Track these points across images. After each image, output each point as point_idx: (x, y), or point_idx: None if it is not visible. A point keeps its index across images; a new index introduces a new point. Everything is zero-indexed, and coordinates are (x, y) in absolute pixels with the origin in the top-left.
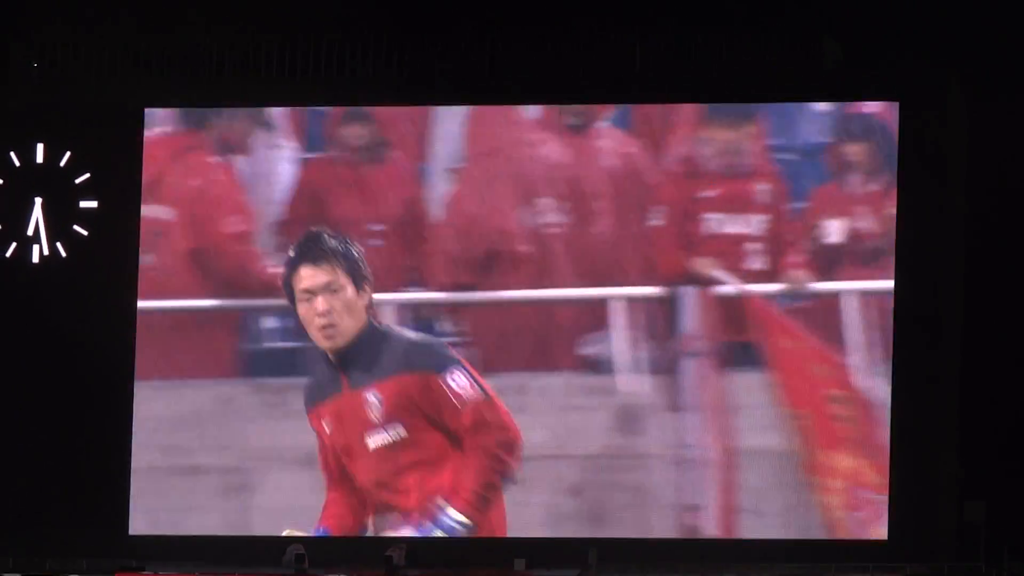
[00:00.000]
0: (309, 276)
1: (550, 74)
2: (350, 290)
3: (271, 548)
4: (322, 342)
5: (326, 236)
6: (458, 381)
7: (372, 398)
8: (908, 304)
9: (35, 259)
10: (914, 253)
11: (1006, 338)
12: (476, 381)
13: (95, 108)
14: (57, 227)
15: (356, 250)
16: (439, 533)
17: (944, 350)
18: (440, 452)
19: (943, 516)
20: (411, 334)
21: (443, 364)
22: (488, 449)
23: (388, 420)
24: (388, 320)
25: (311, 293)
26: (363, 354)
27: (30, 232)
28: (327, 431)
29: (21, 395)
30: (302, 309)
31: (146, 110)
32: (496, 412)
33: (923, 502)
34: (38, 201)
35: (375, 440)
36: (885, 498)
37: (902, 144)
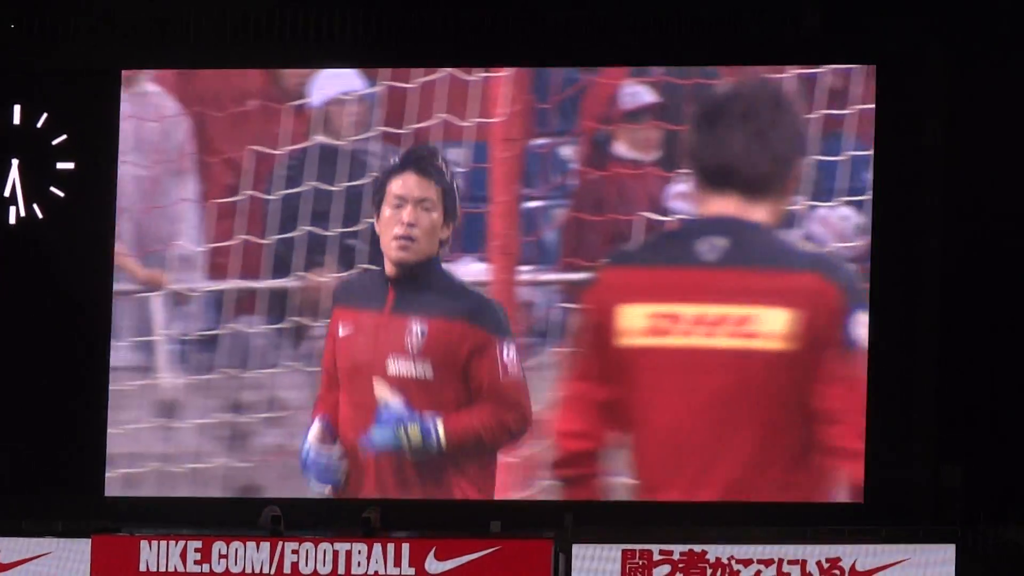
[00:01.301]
0: (412, 185)
1: (519, 36)
2: (438, 215)
3: (247, 510)
4: (392, 252)
5: (440, 155)
6: (510, 354)
7: (416, 328)
8: (885, 270)
9: (12, 221)
10: (891, 220)
11: (984, 302)
12: (520, 364)
13: (72, 70)
14: (34, 189)
15: (457, 184)
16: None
17: (922, 314)
18: (454, 406)
19: (920, 479)
20: (476, 289)
21: (502, 331)
22: (503, 423)
23: (422, 356)
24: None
25: (403, 200)
26: (419, 283)
27: (7, 194)
28: (343, 334)
29: None
30: (387, 213)
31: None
32: (526, 399)
33: (900, 465)
34: (15, 163)
35: (399, 368)
36: (861, 461)
37: (879, 109)
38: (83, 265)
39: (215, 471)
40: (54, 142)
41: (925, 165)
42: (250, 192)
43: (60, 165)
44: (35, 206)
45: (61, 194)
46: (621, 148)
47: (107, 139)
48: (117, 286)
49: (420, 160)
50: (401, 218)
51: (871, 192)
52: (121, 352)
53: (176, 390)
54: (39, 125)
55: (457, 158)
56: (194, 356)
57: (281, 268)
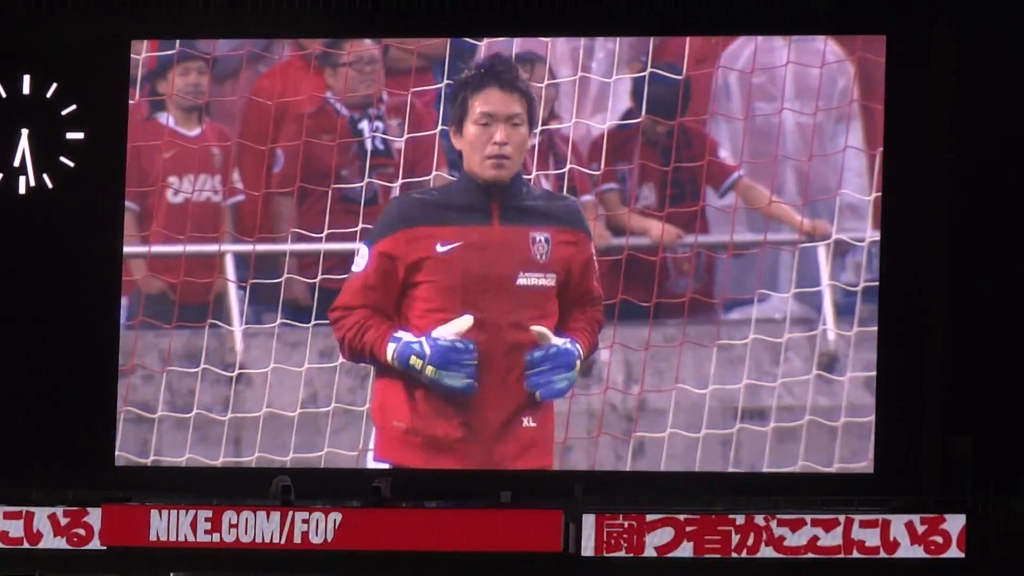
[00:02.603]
0: (497, 101)
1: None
2: (526, 129)
3: (258, 479)
4: (487, 171)
5: (519, 66)
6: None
7: (541, 238)
8: (894, 241)
9: (21, 190)
10: (900, 189)
11: (992, 274)
12: None
13: (82, 40)
14: (43, 158)
15: (535, 92)
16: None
17: (930, 287)
18: (575, 311)
19: (929, 450)
20: (554, 193)
21: (589, 231)
22: (600, 323)
23: (549, 264)
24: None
25: (492, 118)
26: (516, 194)
27: (16, 164)
28: (444, 250)
29: (6, 325)
30: (472, 130)
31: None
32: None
33: (909, 436)
34: (24, 132)
35: (528, 279)
36: (871, 431)
37: (888, 78)
38: (94, 235)
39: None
40: (64, 112)
41: (933, 141)
42: None
43: (70, 135)
44: (45, 176)
45: (71, 164)
46: None
47: (117, 109)
48: (776, 236)
49: (499, 74)
50: (493, 136)
51: (880, 171)
52: (787, 303)
53: (835, 342)
54: (48, 95)
55: None
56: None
57: None
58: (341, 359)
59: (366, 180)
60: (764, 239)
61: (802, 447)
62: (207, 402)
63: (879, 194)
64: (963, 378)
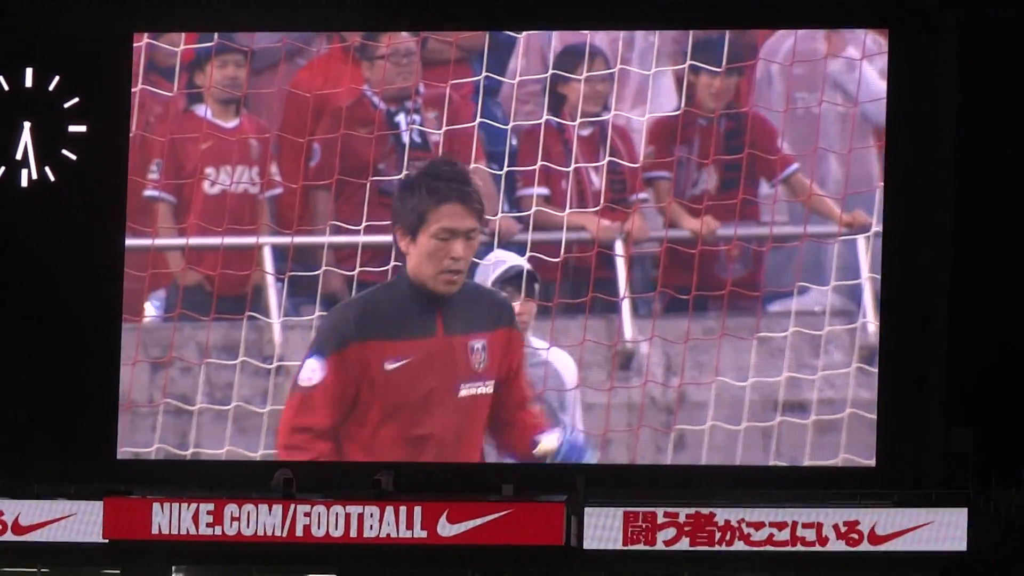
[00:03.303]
0: (456, 216)
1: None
2: (477, 241)
3: (259, 473)
4: (440, 285)
5: (473, 177)
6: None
7: (477, 346)
8: (896, 233)
9: (24, 183)
10: (903, 181)
11: (994, 268)
12: None
13: (84, 33)
14: (46, 151)
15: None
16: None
17: (932, 280)
18: (517, 410)
19: (931, 443)
20: (490, 289)
21: (513, 320)
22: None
23: (487, 373)
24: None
25: (451, 234)
26: (461, 303)
27: (19, 156)
28: (393, 367)
29: (8, 319)
30: (430, 245)
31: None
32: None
33: (911, 429)
34: (27, 125)
35: (468, 390)
36: (874, 425)
37: (891, 72)
38: (96, 227)
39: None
40: (66, 105)
41: (937, 132)
42: None
43: (72, 128)
44: (47, 169)
45: (73, 157)
46: None
47: (119, 102)
48: (816, 228)
49: (459, 187)
50: (451, 252)
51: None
52: (827, 295)
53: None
54: (51, 88)
55: None
56: None
57: None
58: None
59: (404, 173)
60: (804, 231)
61: (843, 439)
62: (246, 394)
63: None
64: (965, 373)
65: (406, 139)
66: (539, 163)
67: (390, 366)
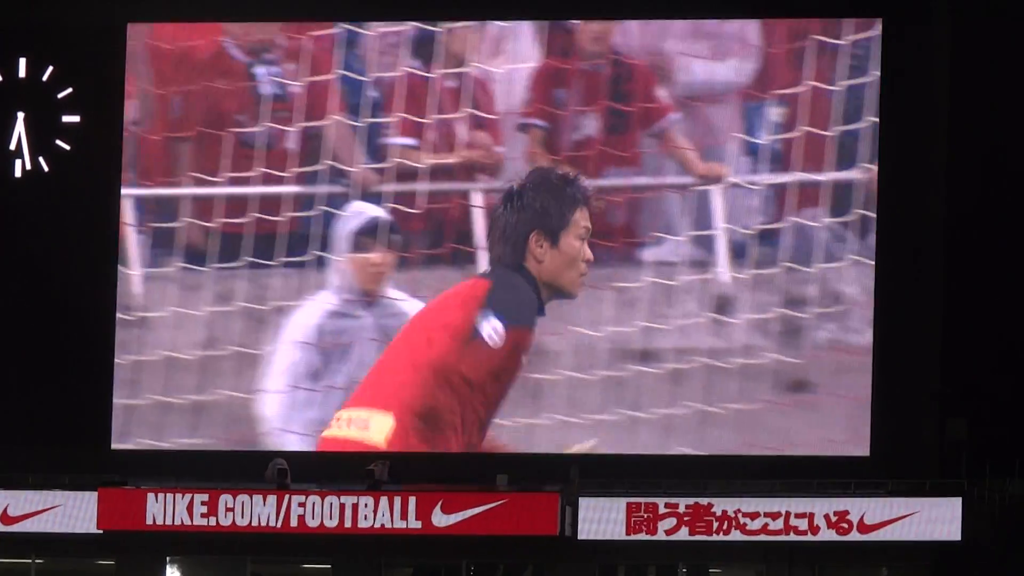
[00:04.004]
0: (586, 219)
1: None
2: None
3: (254, 463)
4: (575, 287)
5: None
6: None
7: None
8: (891, 226)
9: (17, 174)
10: (897, 171)
11: (988, 257)
12: None
13: (78, 23)
14: (39, 142)
15: None
16: None
17: (927, 269)
18: None
19: (926, 433)
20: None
21: None
22: None
23: None
24: None
25: (587, 233)
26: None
27: (12, 147)
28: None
29: (1, 309)
30: (575, 245)
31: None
32: None
33: (906, 419)
34: (20, 116)
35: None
36: (868, 415)
37: (884, 62)
38: (89, 218)
39: (766, 366)
40: (60, 95)
41: (930, 122)
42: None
43: (66, 118)
44: (41, 159)
45: (67, 147)
46: None
47: (112, 92)
48: (673, 179)
49: (584, 195)
50: (585, 254)
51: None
52: (680, 246)
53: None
54: (44, 78)
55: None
56: (754, 250)
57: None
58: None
59: (264, 125)
60: (660, 182)
61: (699, 388)
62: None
63: (792, 135)
64: (959, 363)
65: (264, 90)
66: (403, 114)
67: (525, 358)
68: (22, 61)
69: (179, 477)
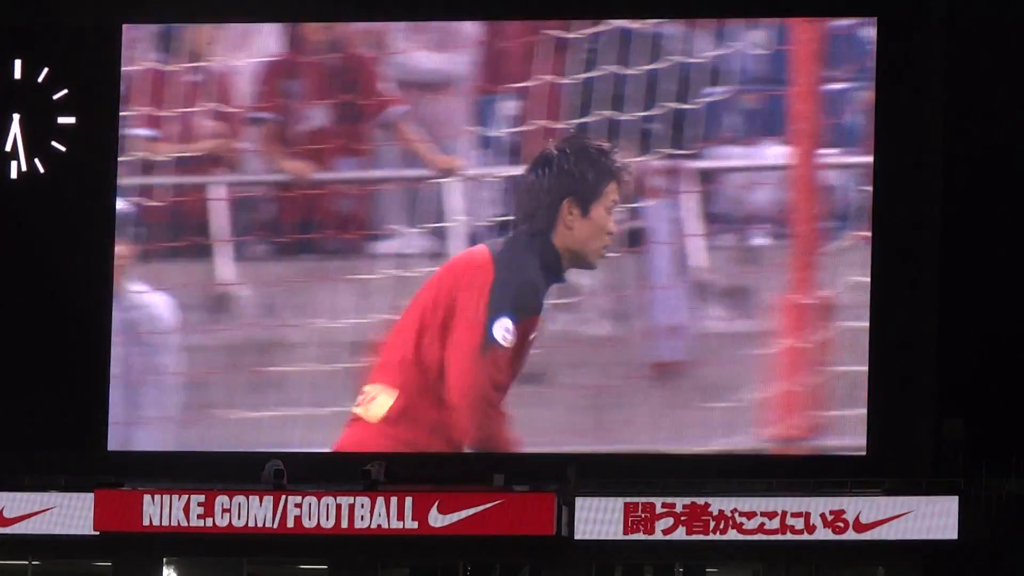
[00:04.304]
0: (615, 193)
1: None
2: None
3: (250, 464)
4: (596, 256)
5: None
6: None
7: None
8: (887, 225)
9: (13, 175)
10: (892, 171)
11: (984, 256)
12: None
13: (73, 24)
14: (35, 143)
15: None
16: None
17: (922, 268)
18: None
19: (922, 432)
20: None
21: None
22: None
23: None
24: None
25: (616, 204)
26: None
27: (8, 149)
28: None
29: None
30: (603, 215)
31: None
32: None
33: (902, 418)
34: (16, 117)
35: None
36: (864, 414)
37: (880, 61)
38: (85, 219)
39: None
40: (55, 96)
41: (926, 119)
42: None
43: (61, 119)
44: (37, 161)
45: (63, 148)
46: None
47: (108, 93)
48: (413, 172)
49: (613, 164)
50: (609, 226)
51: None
52: (412, 239)
53: None
54: (40, 80)
55: (759, 40)
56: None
57: None
58: None
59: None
60: (396, 174)
61: None
62: None
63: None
64: (956, 362)
65: None
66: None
67: (531, 335)
68: (17, 62)
69: (175, 478)
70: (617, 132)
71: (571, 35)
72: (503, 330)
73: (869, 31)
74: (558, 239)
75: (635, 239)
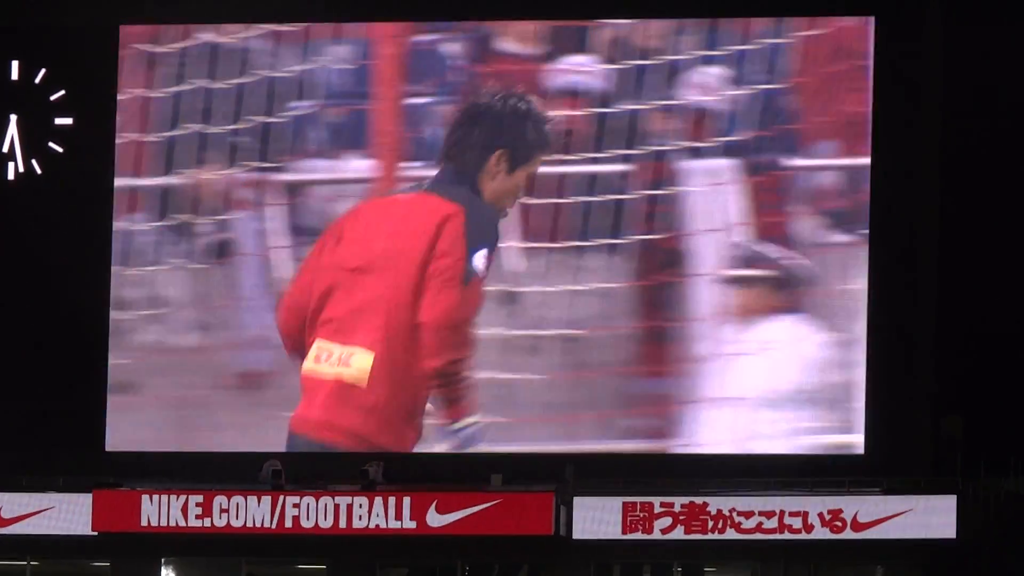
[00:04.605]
0: (538, 165)
1: None
2: None
3: (248, 464)
4: (502, 212)
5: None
6: None
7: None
8: (884, 224)
9: (10, 176)
10: (889, 170)
11: (982, 255)
12: None
13: (70, 25)
14: (32, 144)
15: None
16: None
17: (921, 266)
18: None
19: (920, 431)
20: None
21: None
22: None
23: None
24: None
25: (535, 176)
26: None
27: (5, 150)
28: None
29: None
30: (522, 181)
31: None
32: None
33: (901, 417)
34: (13, 118)
35: None
36: (862, 413)
37: (877, 61)
38: (82, 220)
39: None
40: (52, 97)
41: (924, 117)
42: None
43: (58, 120)
44: (34, 161)
45: (60, 149)
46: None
47: (105, 94)
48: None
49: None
50: (521, 192)
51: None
52: None
53: None
54: (37, 81)
55: (344, 55)
56: None
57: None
58: None
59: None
60: None
61: None
62: None
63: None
64: (954, 360)
65: None
66: None
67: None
68: (15, 64)
69: (173, 478)
70: (205, 145)
71: (160, 49)
72: (481, 260)
73: (450, 47)
74: (482, 184)
75: (223, 250)
